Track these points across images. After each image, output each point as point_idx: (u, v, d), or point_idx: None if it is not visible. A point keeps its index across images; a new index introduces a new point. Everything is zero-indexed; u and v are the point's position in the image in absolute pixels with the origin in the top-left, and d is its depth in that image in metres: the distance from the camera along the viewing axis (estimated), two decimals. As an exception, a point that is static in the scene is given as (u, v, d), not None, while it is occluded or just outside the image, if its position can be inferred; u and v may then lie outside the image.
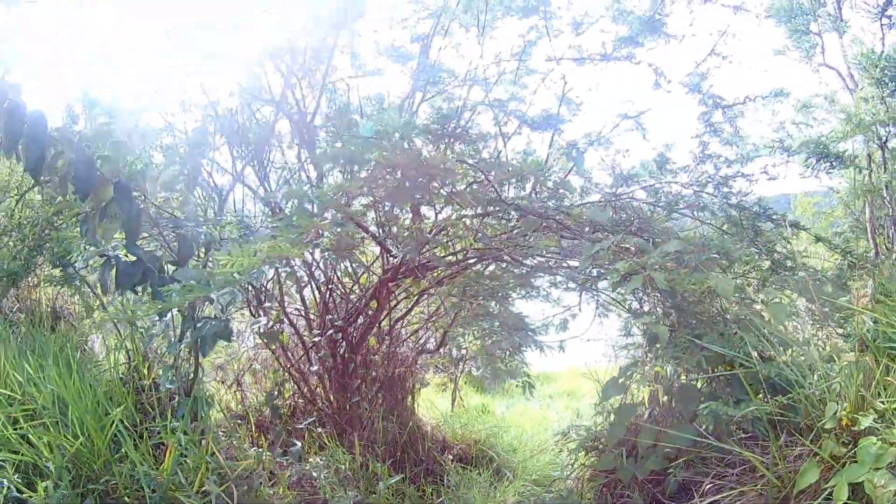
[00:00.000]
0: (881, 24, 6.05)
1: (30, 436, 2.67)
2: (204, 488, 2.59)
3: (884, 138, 5.69)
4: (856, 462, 2.06)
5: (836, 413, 2.19)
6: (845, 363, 2.38)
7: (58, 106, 5.19)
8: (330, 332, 5.14)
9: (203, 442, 2.82)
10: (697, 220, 4.04)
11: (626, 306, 4.13)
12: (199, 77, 4.57)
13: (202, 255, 3.26)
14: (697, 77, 4.61)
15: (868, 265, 3.55)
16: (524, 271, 4.78)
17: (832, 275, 3.60)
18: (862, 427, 2.09)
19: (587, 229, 3.79)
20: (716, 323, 3.07)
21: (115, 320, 4.37)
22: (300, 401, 5.29)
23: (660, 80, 4.46)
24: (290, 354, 5.28)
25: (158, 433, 2.91)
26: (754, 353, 2.62)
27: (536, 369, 12.20)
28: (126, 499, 2.56)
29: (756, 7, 4.80)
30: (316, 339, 5.15)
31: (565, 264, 4.38)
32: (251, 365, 5.58)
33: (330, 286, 5.34)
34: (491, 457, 6.38)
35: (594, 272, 3.79)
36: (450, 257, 4.81)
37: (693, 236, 3.76)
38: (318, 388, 5.38)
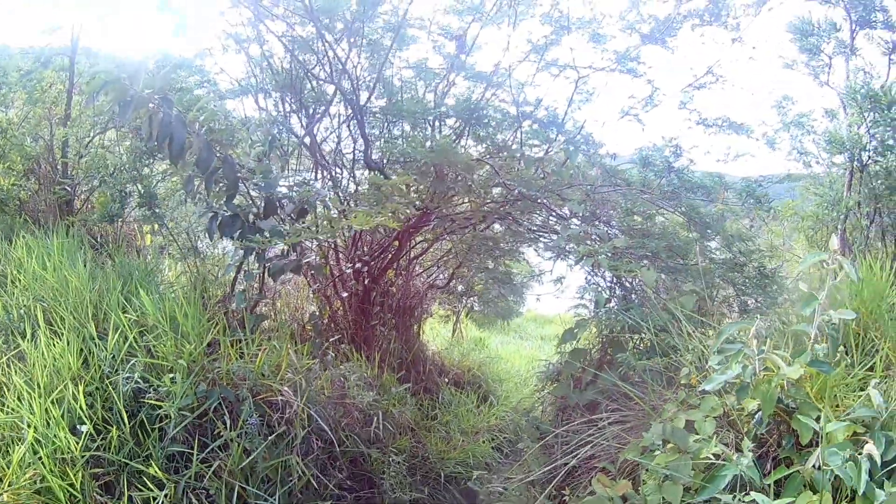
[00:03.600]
0: (889, 60, 7.20)
1: (150, 346, 4.21)
2: (287, 377, 4.19)
3: (864, 161, 7.02)
4: (698, 409, 3.53)
5: (687, 374, 3.66)
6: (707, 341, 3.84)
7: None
8: (357, 264, 6.64)
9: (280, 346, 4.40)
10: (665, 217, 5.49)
11: (586, 276, 5.63)
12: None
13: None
14: (692, 89, 5.96)
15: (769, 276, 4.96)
16: (518, 237, 6.29)
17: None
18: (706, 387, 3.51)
19: (569, 213, 5.26)
20: (644, 300, 4.57)
21: (183, 252, 5.91)
22: (325, 321, 6.81)
23: (654, 95, 5.80)
24: (318, 280, 6.76)
25: (240, 340, 4.46)
26: (649, 326, 4.14)
27: (534, 312, 13.82)
28: (226, 384, 4.12)
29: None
30: (347, 269, 6.65)
31: (549, 234, 5.89)
32: (283, 288, 7.06)
33: (360, 226, 6.79)
34: (481, 384, 8.00)
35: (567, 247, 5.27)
36: (462, 213, 6.29)
37: (652, 227, 5.21)
38: (339, 311, 6.90)
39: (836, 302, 3.42)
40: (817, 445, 2.90)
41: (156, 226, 5.90)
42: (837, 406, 3.28)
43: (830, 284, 3.15)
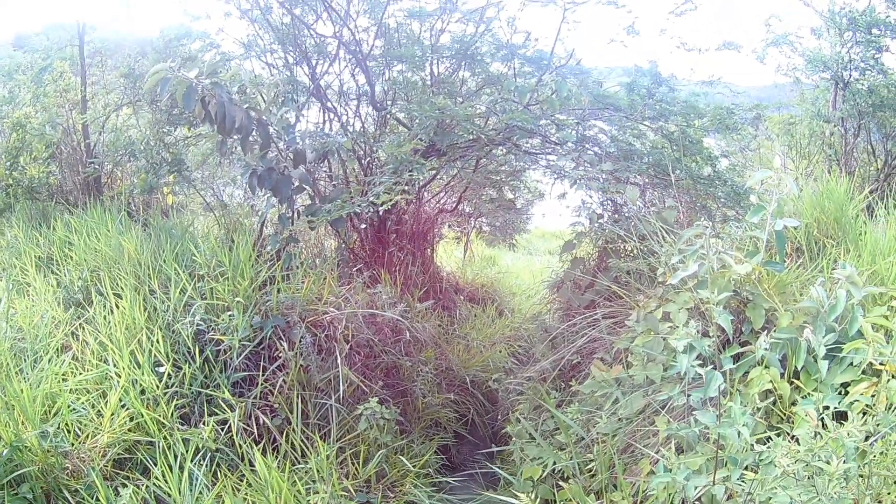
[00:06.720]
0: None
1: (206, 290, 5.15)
2: (330, 299, 5.17)
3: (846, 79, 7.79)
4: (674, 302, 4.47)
5: (662, 273, 4.58)
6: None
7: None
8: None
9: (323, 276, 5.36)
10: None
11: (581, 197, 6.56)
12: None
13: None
14: (672, 16, 6.68)
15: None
16: (519, 159, 7.16)
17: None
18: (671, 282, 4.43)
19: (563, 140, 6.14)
20: (630, 217, 5.51)
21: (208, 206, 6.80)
22: (345, 252, 7.70)
23: (635, 24, 6.52)
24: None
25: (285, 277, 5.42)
26: (633, 236, 5.06)
27: (541, 229, 14.75)
28: (275, 311, 5.08)
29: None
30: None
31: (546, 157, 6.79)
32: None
33: (369, 160, 7.64)
34: (494, 298, 8.96)
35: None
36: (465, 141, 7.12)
37: (638, 149, 6.06)
38: (356, 241, 7.80)
39: (783, 212, 4.30)
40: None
41: (176, 186, 6.74)
42: (795, 300, 4.15)
43: (776, 197, 4.02)
